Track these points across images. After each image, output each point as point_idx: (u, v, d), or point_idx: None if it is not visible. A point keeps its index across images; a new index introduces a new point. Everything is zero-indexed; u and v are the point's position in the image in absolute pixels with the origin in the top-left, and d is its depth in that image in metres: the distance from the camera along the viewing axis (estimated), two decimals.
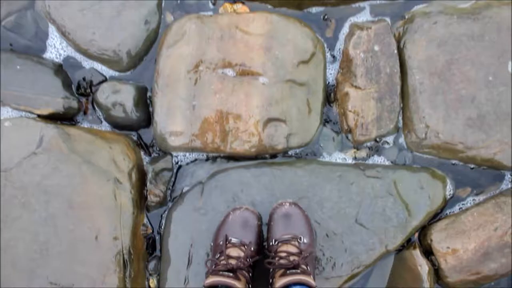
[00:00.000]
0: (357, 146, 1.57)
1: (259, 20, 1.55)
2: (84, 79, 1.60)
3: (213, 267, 1.27)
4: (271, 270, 1.29)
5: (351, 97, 1.54)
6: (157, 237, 1.53)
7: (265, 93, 1.51)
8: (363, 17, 1.63)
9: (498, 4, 1.58)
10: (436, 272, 1.47)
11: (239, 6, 1.63)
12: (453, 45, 1.55)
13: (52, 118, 1.54)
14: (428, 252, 1.49)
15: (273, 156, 1.55)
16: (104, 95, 1.55)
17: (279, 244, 1.32)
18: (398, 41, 1.58)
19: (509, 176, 1.55)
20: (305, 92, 1.54)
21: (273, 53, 1.53)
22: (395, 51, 1.56)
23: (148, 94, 1.60)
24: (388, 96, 1.55)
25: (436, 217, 1.53)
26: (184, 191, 1.52)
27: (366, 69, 1.55)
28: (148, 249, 1.51)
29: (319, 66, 1.57)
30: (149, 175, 1.50)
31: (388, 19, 1.61)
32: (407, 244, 1.50)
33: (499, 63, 1.53)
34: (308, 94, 1.55)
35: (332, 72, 1.61)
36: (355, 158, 1.56)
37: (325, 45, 1.61)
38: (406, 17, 1.61)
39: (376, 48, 1.56)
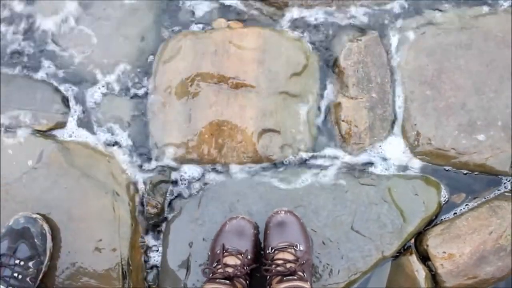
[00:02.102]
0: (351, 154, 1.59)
1: (252, 35, 1.60)
2: (82, 94, 1.64)
3: (210, 275, 1.29)
4: (268, 277, 1.30)
5: (344, 107, 1.58)
6: (156, 249, 1.54)
7: (259, 105, 1.55)
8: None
9: (485, 14, 1.62)
10: (433, 277, 1.47)
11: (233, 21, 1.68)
12: (442, 55, 1.59)
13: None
14: (424, 258, 1.50)
15: None
16: (101, 109, 1.59)
17: (276, 252, 1.33)
18: (388, 52, 1.62)
19: (504, 180, 1.56)
20: (299, 103, 1.58)
21: (266, 66, 1.57)
22: (386, 61, 1.60)
23: (145, 108, 1.63)
24: (380, 105, 1.58)
25: (431, 223, 1.54)
26: (181, 202, 1.54)
27: (358, 79, 1.58)
28: (147, 260, 1.53)
29: (311, 78, 1.60)
30: (147, 187, 1.52)
31: (377, 32, 1.65)
32: (404, 250, 1.51)
33: (488, 71, 1.57)
34: (302, 105, 1.58)
35: (324, 83, 1.65)
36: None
37: (317, 57, 1.65)
38: (396, 28, 1.66)
39: (367, 59, 1.60)
